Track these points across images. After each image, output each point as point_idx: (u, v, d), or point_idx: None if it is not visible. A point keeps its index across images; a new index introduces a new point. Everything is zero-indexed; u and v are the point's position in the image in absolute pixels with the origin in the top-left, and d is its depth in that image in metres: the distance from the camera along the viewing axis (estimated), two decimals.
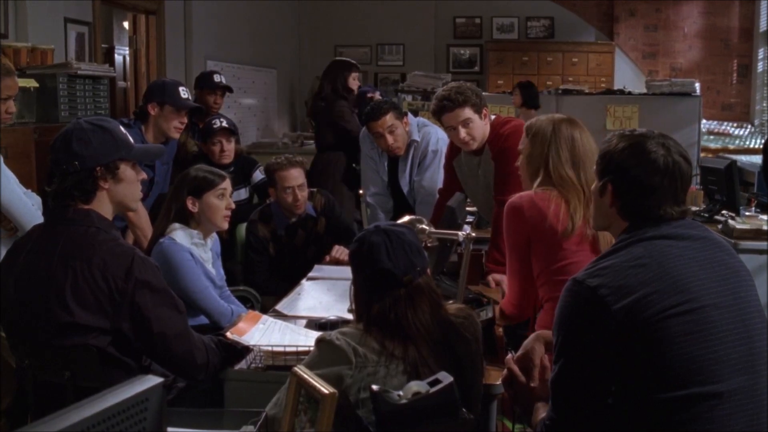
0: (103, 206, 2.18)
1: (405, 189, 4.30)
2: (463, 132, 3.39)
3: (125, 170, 2.21)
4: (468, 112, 3.35)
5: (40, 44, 4.06)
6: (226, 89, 4.96)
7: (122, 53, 6.47)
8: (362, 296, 1.95)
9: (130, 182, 2.23)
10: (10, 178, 2.91)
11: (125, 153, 2.20)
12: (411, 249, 1.93)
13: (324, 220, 3.92)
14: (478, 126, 3.40)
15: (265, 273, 3.80)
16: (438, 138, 4.15)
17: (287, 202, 3.74)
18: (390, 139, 4.07)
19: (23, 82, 3.59)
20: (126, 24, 6.51)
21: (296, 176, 3.70)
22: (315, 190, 3.98)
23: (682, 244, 1.74)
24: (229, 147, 4.22)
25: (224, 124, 4.24)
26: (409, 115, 4.31)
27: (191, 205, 2.98)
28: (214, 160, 4.14)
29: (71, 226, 2.12)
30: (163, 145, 3.52)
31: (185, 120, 3.68)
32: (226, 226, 3.09)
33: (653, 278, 1.66)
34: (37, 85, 3.67)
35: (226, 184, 3.07)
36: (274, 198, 3.80)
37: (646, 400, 1.64)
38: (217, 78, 4.90)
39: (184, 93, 3.64)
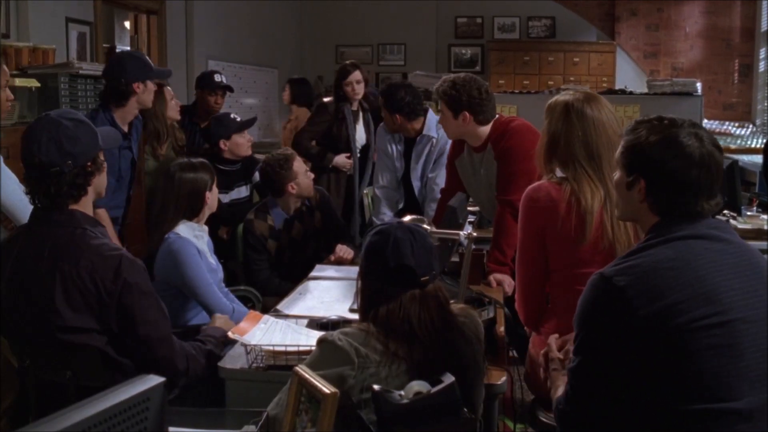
0: (88, 201, 2.17)
1: (416, 184, 4.31)
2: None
3: (102, 159, 2.21)
4: (441, 105, 3.40)
5: (41, 44, 4.06)
6: (227, 89, 4.98)
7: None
8: (373, 291, 1.90)
9: (105, 170, 2.24)
10: (12, 178, 2.91)
11: (102, 143, 2.20)
12: (431, 252, 1.91)
13: (320, 215, 3.98)
14: (449, 122, 3.41)
15: (266, 272, 3.81)
16: None
17: (309, 185, 3.85)
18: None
19: (25, 82, 3.59)
20: (127, 24, 6.51)
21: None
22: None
23: (717, 247, 1.66)
24: (251, 139, 4.40)
25: (240, 118, 4.37)
26: (430, 111, 4.37)
27: (207, 199, 3.10)
28: (240, 153, 4.29)
29: (57, 228, 2.11)
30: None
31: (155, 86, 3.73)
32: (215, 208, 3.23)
33: (684, 284, 1.59)
34: (38, 84, 3.66)
35: None
36: (295, 190, 3.81)
37: (661, 409, 1.59)
38: (217, 78, 4.92)
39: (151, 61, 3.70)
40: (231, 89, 5.08)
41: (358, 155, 4.86)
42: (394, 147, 4.41)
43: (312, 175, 3.90)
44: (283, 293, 3.39)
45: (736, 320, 1.58)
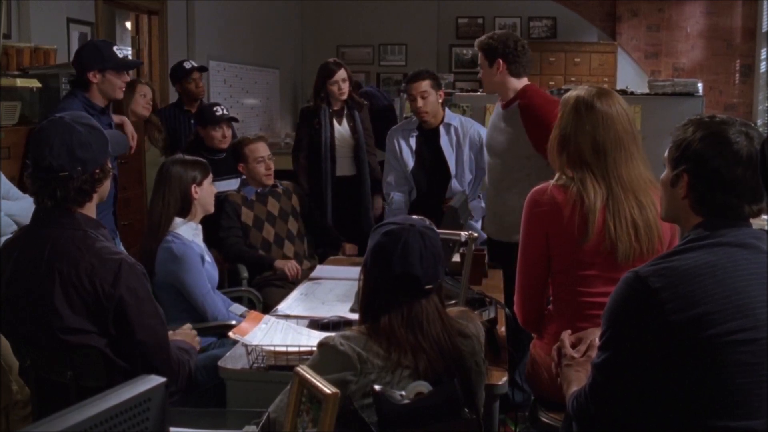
0: (92, 206, 2.17)
1: (454, 169, 4.36)
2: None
3: (110, 167, 2.21)
4: (480, 57, 3.58)
5: (42, 44, 4.06)
6: (201, 69, 5.10)
7: (125, 53, 6.47)
8: (373, 293, 1.86)
9: (111, 177, 2.24)
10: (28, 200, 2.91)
11: (111, 150, 2.20)
12: (439, 259, 1.87)
13: (297, 199, 4.19)
14: (485, 72, 3.59)
15: (234, 238, 3.93)
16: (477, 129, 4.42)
17: (260, 173, 4.02)
18: (420, 102, 4.29)
19: (26, 83, 3.59)
20: (128, 24, 6.51)
21: (264, 149, 4.06)
22: (285, 182, 4.27)
23: (758, 259, 1.60)
24: (229, 134, 4.51)
25: (226, 112, 4.49)
26: (447, 109, 4.51)
27: (195, 193, 3.09)
28: (214, 144, 4.42)
29: (58, 229, 2.10)
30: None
31: (127, 78, 3.55)
32: (213, 209, 3.24)
33: (721, 294, 1.55)
34: (39, 85, 3.66)
35: None
36: (245, 172, 4.06)
37: (680, 418, 1.57)
38: (187, 65, 5.08)
39: (119, 52, 3.51)
40: (205, 68, 5.23)
41: (351, 156, 4.83)
42: (403, 144, 4.46)
43: (269, 165, 4.03)
44: (250, 261, 3.81)
45: (764, 339, 1.54)
